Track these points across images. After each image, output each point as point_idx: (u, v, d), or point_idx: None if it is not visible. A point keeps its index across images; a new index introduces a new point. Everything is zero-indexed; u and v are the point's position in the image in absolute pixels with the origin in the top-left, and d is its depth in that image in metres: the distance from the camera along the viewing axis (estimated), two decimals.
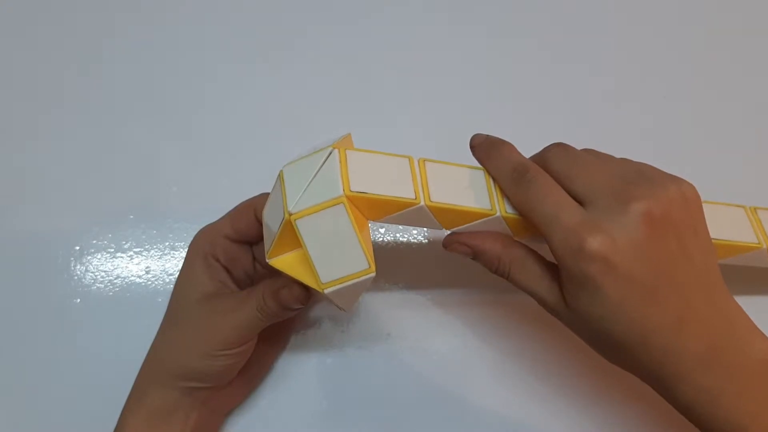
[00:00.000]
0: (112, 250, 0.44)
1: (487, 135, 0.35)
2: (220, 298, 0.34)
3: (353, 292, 0.31)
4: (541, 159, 0.33)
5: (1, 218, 0.44)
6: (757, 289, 0.44)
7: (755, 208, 0.40)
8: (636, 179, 0.30)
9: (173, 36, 0.49)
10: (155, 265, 0.43)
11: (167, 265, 0.43)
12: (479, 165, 0.35)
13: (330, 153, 0.31)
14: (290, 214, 0.30)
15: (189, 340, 0.34)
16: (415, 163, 0.33)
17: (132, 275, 0.43)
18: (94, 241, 0.44)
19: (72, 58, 0.48)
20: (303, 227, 0.30)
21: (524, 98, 0.49)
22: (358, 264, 0.30)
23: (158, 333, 0.36)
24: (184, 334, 0.34)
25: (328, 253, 0.30)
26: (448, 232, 0.35)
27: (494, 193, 0.34)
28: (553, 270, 0.32)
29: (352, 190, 0.30)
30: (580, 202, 0.30)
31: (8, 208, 0.44)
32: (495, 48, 0.51)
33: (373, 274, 0.30)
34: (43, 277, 0.43)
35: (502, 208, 0.33)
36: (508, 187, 0.33)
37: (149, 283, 0.43)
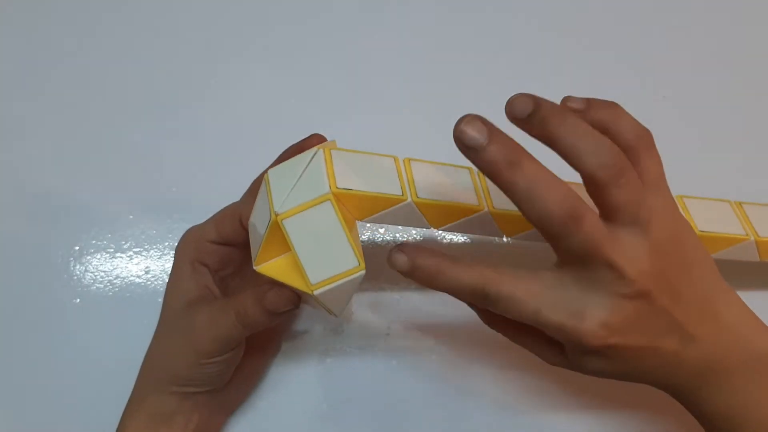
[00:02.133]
0: (112, 250, 0.44)
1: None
2: (201, 306, 0.34)
3: (344, 293, 0.31)
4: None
5: (0, 218, 0.44)
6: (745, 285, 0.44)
7: (740, 203, 0.40)
8: (610, 219, 0.28)
9: (173, 36, 0.49)
10: (155, 265, 0.43)
11: (167, 266, 0.43)
12: (464, 164, 0.33)
13: (315, 153, 0.31)
14: (277, 215, 0.29)
15: (177, 348, 0.34)
16: (401, 162, 0.33)
17: (131, 275, 0.43)
18: (94, 241, 0.44)
19: (71, 57, 0.48)
20: (290, 227, 0.29)
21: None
22: (348, 262, 0.30)
23: (153, 338, 0.36)
24: (173, 342, 0.34)
25: (316, 252, 0.30)
26: (438, 230, 0.35)
27: (480, 190, 0.34)
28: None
29: (339, 186, 0.29)
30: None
31: (8, 208, 0.44)
32: (490, 47, 0.51)
33: (362, 272, 0.30)
34: (43, 277, 0.43)
35: (489, 204, 0.33)
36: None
37: (149, 283, 0.43)
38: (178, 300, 0.35)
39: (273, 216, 0.29)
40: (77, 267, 0.43)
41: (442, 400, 0.41)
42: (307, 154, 0.31)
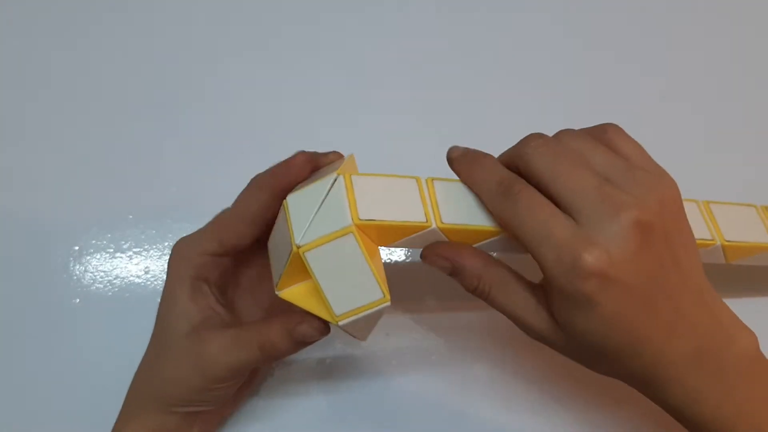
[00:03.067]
0: (112, 250, 0.44)
1: (466, 147, 0.33)
2: (211, 333, 0.32)
3: (369, 322, 0.31)
4: (519, 156, 0.31)
5: (0, 218, 0.44)
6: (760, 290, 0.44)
7: (766, 207, 0.39)
8: (622, 179, 0.29)
9: (174, 36, 0.49)
10: (154, 265, 0.43)
11: (166, 266, 0.43)
12: None
13: (335, 180, 0.29)
14: (298, 247, 0.28)
15: (182, 373, 0.32)
16: (423, 184, 0.32)
17: (131, 275, 0.43)
18: (94, 241, 0.44)
19: (71, 57, 0.48)
20: (312, 260, 0.29)
21: (521, 98, 0.49)
22: (372, 294, 0.29)
23: (146, 361, 0.35)
24: (177, 366, 0.32)
25: (340, 284, 0.29)
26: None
27: None
28: (538, 291, 0.31)
29: (361, 218, 0.29)
30: (567, 211, 0.29)
31: (7, 208, 0.44)
32: (490, 47, 0.51)
33: (387, 304, 0.29)
34: (43, 276, 0.43)
35: None
36: (492, 203, 0.31)
37: (148, 283, 0.43)
38: (181, 323, 0.33)
39: (294, 248, 0.28)
40: (77, 267, 0.43)
41: (442, 399, 0.41)
42: (326, 181, 0.29)
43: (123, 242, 0.44)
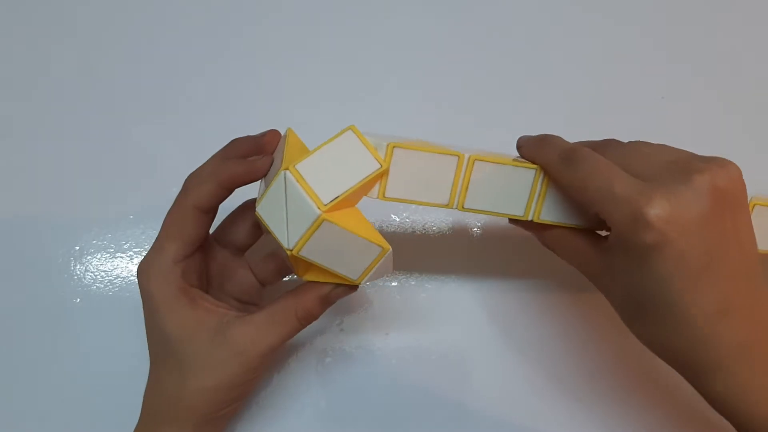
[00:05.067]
0: (112, 250, 0.44)
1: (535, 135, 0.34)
2: (235, 328, 0.33)
3: (384, 268, 0.33)
4: (595, 148, 0.32)
5: (0, 218, 0.44)
6: None
7: None
8: (695, 160, 0.29)
9: (174, 35, 0.49)
10: None
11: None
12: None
13: (285, 177, 0.30)
14: (290, 251, 0.30)
15: (222, 380, 0.33)
16: (356, 136, 0.32)
17: (131, 275, 0.43)
18: (94, 241, 0.44)
19: (71, 57, 0.48)
20: (308, 254, 0.30)
21: (522, 98, 0.49)
22: (372, 251, 0.31)
23: (166, 382, 0.34)
24: (213, 378, 0.33)
25: (342, 258, 0.31)
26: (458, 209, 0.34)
27: (536, 194, 0.34)
28: (592, 237, 0.33)
29: (326, 203, 0.30)
30: (637, 176, 0.29)
31: (8, 208, 0.44)
32: (490, 46, 0.51)
33: (389, 251, 0.31)
34: (43, 276, 0.43)
35: (536, 213, 0.34)
36: (558, 169, 0.31)
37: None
38: (199, 335, 0.33)
39: (288, 252, 0.30)
40: (78, 267, 0.43)
41: (442, 399, 0.41)
42: (279, 181, 0.30)
43: (123, 242, 0.44)
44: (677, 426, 0.41)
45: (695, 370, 0.30)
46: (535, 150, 0.33)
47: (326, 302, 0.34)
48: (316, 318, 0.34)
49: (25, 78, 0.48)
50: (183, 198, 0.34)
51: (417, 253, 0.45)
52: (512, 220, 0.35)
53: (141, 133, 0.46)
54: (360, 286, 0.34)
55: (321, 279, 0.33)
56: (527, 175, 0.33)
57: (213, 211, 0.34)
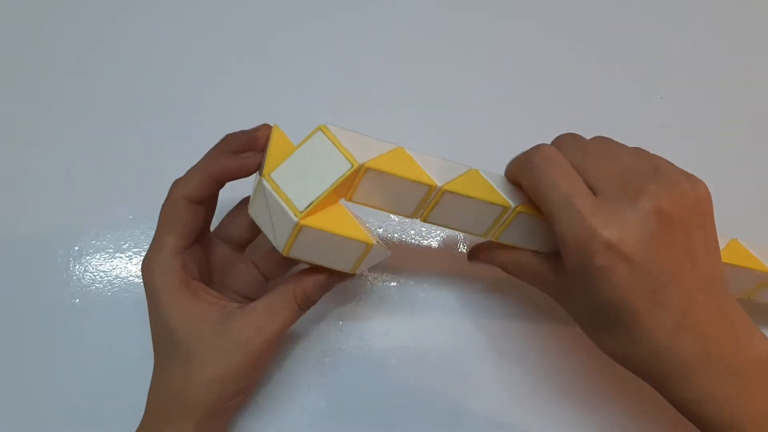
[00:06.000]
0: (111, 250, 0.44)
1: None
2: (238, 319, 0.33)
3: (376, 255, 0.33)
4: (557, 144, 0.33)
5: (0, 219, 0.44)
6: None
7: None
8: (648, 173, 0.30)
9: (174, 36, 0.49)
10: None
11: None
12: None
13: (262, 184, 0.31)
14: (283, 252, 0.32)
15: (228, 370, 0.33)
16: (325, 136, 0.32)
17: (131, 275, 0.43)
18: (93, 242, 0.44)
19: (71, 57, 0.48)
20: (297, 254, 0.32)
21: (520, 97, 0.49)
22: (359, 248, 0.32)
23: (172, 376, 0.34)
24: (219, 368, 0.33)
25: (331, 255, 0.32)
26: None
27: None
28: (547, 260, 0.34)
29: (301, 210, 0.30)
30: (591, 188, 0.30)
31: (7, 208, 0.44)
32: (489, 47, 0.51)
33: (374, 244, 0.32)
34: (42, 277, 0.43)
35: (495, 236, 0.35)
36: (521, 173, 0.32)
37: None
38: (203, 327, 0.33)
39: (281, 252, 0.32)
40: (77, 267, 0.43)
41: (441, 399, 0.41)
42: (260, 187, 0.31)
43: (123, 243, 0.44)
44: (673, 425, 0.41)
45: (659, 380, 0.30)
46: (513, 171, 0.34)
47: (324, 287, 0.35)
48: (314, 302, 0.35)
49: (25, 78, 0.48)
50: (173, 190, 0.34)
51: (417, 253, 0.45)
52: (470, 257, 0.38)
53: (140, 133, 0.46)
54: (357, 273, 0.34)
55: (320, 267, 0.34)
56: (496, 210, 0.34)
57: (205, 202, 0.35)
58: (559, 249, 0.30)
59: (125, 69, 0.48)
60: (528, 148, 0.33)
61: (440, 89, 0.49)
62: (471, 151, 0.47)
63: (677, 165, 0.31)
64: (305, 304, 0.34)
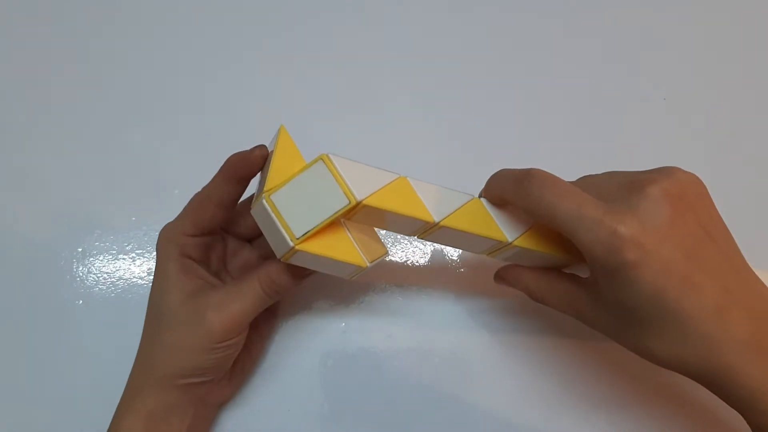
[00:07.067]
0: (115, 251, 0.44)
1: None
2: (206, 294, 0.34)
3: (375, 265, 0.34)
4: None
5: (3, 220, 0.44)
6: None
7: None
8: (643, 174, 0.30)
9: (175, 37, 0.49)
10: None
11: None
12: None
13: (266, 207, 0.31)
14: (281, 260, 0.33)
15: (184, 340, 0.34)
16: (326, 166, 0.31)
17: (134, 277, 0.43)
18: (97, 243, 0.44)
19: (74, 58, 0.48)
20: (298, 262, 0.33)
21: (521, 98, 0.49)
22: (353, 268, 0.33)
23: (145, 339, 0.36)
24: (177, 336, 0.34)
25: (327, 267, 0.33)
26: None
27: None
28: (574, 278, 0.34)
29: (298, 236, 0.31)
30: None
31: (11, 210, 0.44)
32: (489, 49, 0.51)
33: (369, 265, 0.33)
34: (46, 278, 0.43)
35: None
36: (518, 200, 0.32)
37: (151, 284, 0.43)
38: (173, 297, 0.34)
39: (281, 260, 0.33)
40: (80, 269, 0.43)
41: (444, 402, 0.41)
42: (261, 202, 0.31)
43: (126, 244, 0.44)
44: (682, 429, 0.41)
45: (711, 378, 0.29)
46: (486, 190, 0.34)
47: (295, 274, 0.34)
48: (283, 288, 0.34)
49: (28, 80, 0.48)
50: (206, 189, 0.36)
51: (420, 256, 0.45)
52: (497, 280, 0.38)
53: (143, 134, 0.47)
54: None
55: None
56: (493, 242, 0.34)
57: (225, 205, 0.36)
58: (582, 260, 0.30)
59: (128, 70, 0.48)
60: (513, 169, 0.33)
61: (441, 89, 0.49)
62: (474, 150, 0.47)
63: (679, 165, 0.31)
64: (271, 288, 0.34)
